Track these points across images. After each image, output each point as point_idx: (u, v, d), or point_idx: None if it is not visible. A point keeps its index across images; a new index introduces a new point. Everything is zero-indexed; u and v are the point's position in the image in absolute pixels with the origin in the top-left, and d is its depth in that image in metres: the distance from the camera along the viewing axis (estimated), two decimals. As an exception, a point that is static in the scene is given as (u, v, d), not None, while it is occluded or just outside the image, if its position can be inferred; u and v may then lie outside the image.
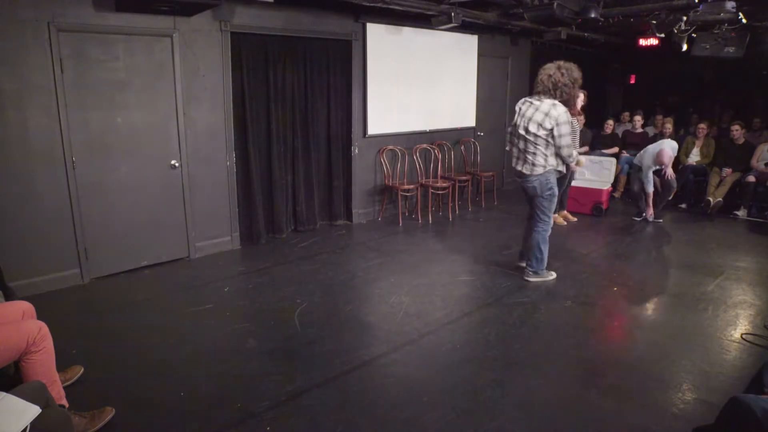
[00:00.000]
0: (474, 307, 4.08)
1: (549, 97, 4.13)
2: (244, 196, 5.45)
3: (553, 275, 4.63)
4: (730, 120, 8.55)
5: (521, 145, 4.26)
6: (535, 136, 4.12)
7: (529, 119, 4.15)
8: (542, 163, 4.18)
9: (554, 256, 5.24)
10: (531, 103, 4.22)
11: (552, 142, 4.11)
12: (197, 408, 2.78)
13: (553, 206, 4.41)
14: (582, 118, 6.34)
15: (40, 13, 3.95)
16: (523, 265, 4.69)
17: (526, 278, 4.54)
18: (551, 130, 4.06)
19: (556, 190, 4.35)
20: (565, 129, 4.06)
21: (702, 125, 7.49)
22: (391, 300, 4.18)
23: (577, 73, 4.17)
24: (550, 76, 4.13)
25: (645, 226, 6.42)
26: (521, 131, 4.22)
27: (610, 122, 8.24)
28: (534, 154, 4.18)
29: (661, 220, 6.57)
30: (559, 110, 4.05)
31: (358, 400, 2.85)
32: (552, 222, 4.48)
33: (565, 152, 4.14)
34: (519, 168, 4.33)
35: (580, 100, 6.15)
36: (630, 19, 6.63)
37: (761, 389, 2.29)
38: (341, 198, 6.43)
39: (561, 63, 4.17)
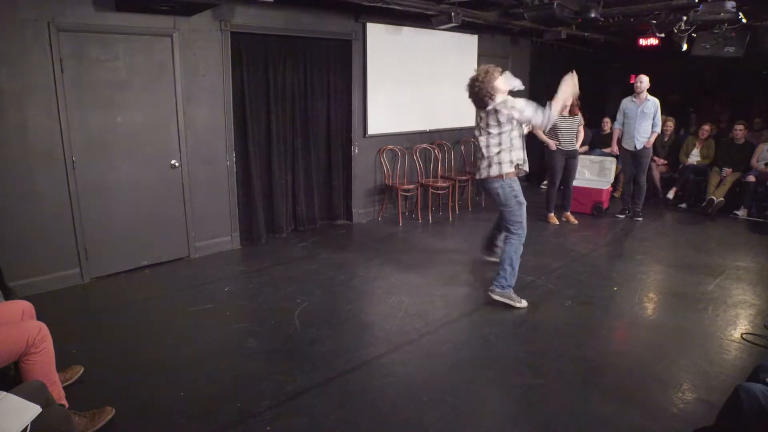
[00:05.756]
0: (474, 307, 4.08)
1: (488, 107, 3.83)
2: (244, 195, 5.45)
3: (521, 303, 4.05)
4: (728, 119, 8.55)
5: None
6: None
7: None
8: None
9: (555, 255, 5.26)
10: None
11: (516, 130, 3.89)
12: (197, 408, 2.78)
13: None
14: (578, 118, 6.32)
15: (40, 13, 3.94)
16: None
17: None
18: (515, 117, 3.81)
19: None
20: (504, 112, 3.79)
21: (706, 127, 7.49)
22: (391, 300, 4.18)
23: (482, 72, 3.84)
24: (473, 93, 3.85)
25: (645, 226, 6.42)
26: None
27: (607, 120, 8.23)
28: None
29: (641, 218, 6.62)
30: (507, 104, 3.79)
31: (358, 400, 2.85)
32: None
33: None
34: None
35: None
36: (630, 19, 6.62)
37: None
38: (341, 198, 6.43)
39: (472, 79, 3.85)
